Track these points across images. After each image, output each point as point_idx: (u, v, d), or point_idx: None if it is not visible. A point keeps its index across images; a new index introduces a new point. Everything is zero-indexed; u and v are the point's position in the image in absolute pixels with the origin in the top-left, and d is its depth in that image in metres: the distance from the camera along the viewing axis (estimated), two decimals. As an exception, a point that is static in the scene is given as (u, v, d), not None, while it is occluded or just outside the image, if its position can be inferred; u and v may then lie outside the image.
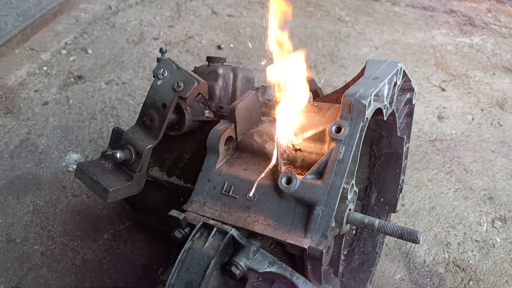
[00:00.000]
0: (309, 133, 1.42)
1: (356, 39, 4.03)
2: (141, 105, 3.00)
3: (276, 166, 1.37)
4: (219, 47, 3.67)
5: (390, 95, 1.54)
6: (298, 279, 1.29)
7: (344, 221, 1.33)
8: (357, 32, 4.13)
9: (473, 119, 3.25)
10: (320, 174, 1.30)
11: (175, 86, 1.49)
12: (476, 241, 2.42)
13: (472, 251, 2.36)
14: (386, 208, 2.17)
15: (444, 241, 2.41)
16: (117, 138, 1.64)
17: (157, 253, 2.12)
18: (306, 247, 1.22)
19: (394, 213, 2.19)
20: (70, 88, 3.14)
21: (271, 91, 2.09)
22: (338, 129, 1.31)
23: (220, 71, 1.79)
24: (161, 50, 1.92)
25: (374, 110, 1.39)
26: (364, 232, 2.13)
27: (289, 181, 1.29)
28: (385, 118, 1.52)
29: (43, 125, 2.83)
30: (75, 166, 2.50)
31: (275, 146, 1.37)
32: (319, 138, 1.40)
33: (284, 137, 1.40)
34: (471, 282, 2.21)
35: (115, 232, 2.19)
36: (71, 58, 3.43)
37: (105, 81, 3.21)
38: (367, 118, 1.34)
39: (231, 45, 3.73)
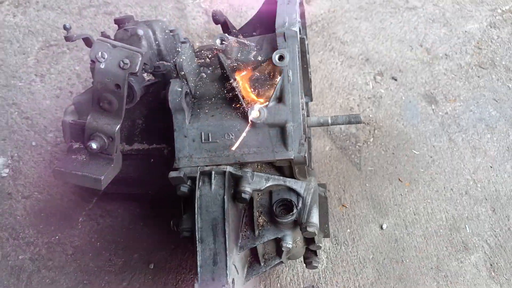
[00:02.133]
0: (255, 66, 1.66)
1: None
2: (35, 82, 2.83)
3: (240, 104, 1.61)
4: (78, -7, 3.37)
5: (300, 12, 1.81)
6: (290, 182, 1.65)
7: (306, 126, 1.68)
8: None
9: (331, -6, 3.69)
10: (279, 99, 1.59)
11: (121, 65, 1.55)
12: (368, 98, 3.02)
13: (369, 107, 2.97)
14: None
15: (347, 107, 2.96)
16: (78, 130, 1.67)
17: (135, 213, 2.29)
18: (292, 157, 1.55)
19: (312, 101, 2.62)
20: None
21: (181, 32, 2.21)
22: (281, 58, 1.57)
23: (141, 32, 1.83)
24: (65, 27, 1.87)
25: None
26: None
27: (257, 113, 1.56)
28: (305, 32, 1.81)
29: None
30: (6, 170, 2.39)
31: (236, 87, 1.60)
32: (264, 68, 1.65)
33: (239, 77, 1.63)
34: (376, 131, 2.85)
35: (87, 213, 2.26)
36: None
37: (-26, 72, 2.85)
38: (299, 39, 1.61)
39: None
